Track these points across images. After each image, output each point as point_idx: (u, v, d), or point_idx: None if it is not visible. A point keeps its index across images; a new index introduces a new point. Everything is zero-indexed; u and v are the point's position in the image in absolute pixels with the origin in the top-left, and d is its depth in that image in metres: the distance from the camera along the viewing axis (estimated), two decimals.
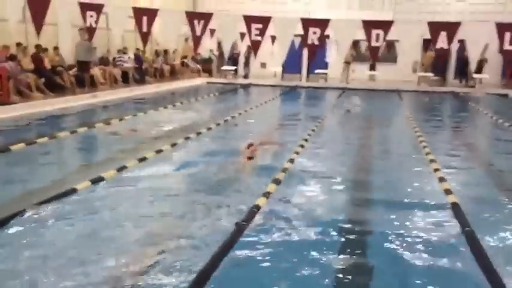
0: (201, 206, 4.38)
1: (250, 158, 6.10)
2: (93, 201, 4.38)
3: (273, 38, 13.13)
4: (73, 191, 4.52)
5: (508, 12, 19.12)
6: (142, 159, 5.85)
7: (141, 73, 15.67)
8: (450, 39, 7.46)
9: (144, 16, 8.24)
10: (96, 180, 4.87)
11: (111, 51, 15.05)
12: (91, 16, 8.44)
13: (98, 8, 8.47)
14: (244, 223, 3.84)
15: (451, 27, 7.50)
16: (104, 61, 14.35)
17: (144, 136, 7.64)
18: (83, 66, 11.60)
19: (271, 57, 18.51)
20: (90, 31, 8.70)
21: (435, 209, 4.52)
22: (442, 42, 7.39)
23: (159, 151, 6.33)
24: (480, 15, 18.21)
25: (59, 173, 5.62)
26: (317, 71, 19.61)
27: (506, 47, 7.28)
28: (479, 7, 19.45)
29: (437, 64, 17.42)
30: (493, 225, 4.13)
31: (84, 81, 12.09)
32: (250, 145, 6.43)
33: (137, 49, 15.95)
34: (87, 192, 4.60)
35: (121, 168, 5.38)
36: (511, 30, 7.26)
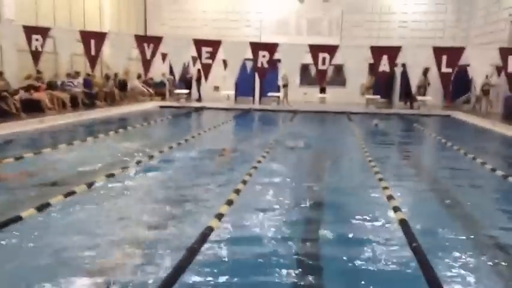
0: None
1: (223, 155, 7.92)
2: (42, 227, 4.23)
3: (225, 62, 13.25)
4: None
5: (447, 37, 20.32)
6: (91, 183, 5.72)
7: (90, 97, 15.35)
8: (391, 63, 7.82)
9: (92, 39, 8.11)
10: (43, 207, 4.72)
11: (59, 76, 14.69)
12: (36, 40, 8.21)
13: (44, 32, 8.28)
14: (196, 246, 3.81)
15: (392, 52, 7.87)
16: (51, 85, 13.97)
17: (92, 161, 7.45)
18: None
19: (224, 80, 18.71)
20: (36, 55, 8.46)
21: (385, 226, 4.67)
22: (383, 65, 7.75)
23: (110, 175, 6.21)
24: (421, 40, 19.25)
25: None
26: (269, 94, 19.95)
27: (443, 69, 7.72)
28: (420, 33, 20.58)
29: (382, 87, 18.17)
30: (439, 240, 4.30)
31: None
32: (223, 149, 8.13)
33: (88, 74, 15.64)
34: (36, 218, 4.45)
35: (69, 194, 5.23)
36: (447, 54, 7.72)
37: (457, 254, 3.98)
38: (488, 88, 16.65)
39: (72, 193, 5.29)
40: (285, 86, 19.52)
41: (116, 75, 17.78)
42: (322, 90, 20.18)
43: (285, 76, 18.95)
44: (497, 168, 7.36)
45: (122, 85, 17.78)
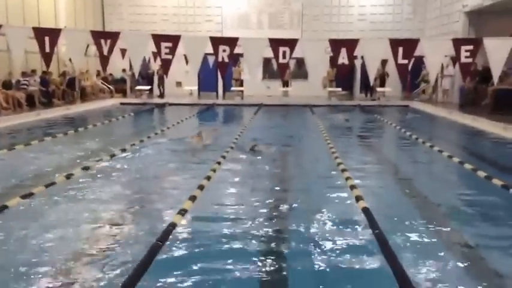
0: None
1: (199, 137, 8.76)
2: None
3: (187, 57, 13.11)
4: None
5: (404, 29, 20.83)
6: (50, 184, 5.58)
7: (47, 96, 14.90)
8: (350, 56, 7.96)
9: (47, 36, 7.85)
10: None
11: (13, 74, 14.19)
12: None
13: None
14: (160, 242, 3.78)
15: (350, 44, 8.01)
16: (5, 85, 13.48)
17: (50, 162, 7.26)
18: None
19: (186, 76, 18.56)
20: None
21: (348, 214, 4.77)
22: (342, 58, 7.89)
23: (69, 176, 6.06)
24: (379, 33, 19.66)
25: None
26: (233, 88, 19.93)
27: (400, 61, 7.93)
28: (378, 25, 21.02)
29: (343, 79, 18.48)
30: (400, 226, 4.42)
31: None
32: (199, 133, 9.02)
33: (44, 72, 15.15)
34: None
35: (27, 195, 5.08)
36: (403, 46, 7.94)
37: (418, 239, 4.11)
38: (427, 78, 17.39)
39: (30, 195, 5.14)
40: (237, 80, 19.91)
41: (64, 73, 17.17)
42: (285, 84, 20.31)
43: (236, 71, 19.48)
44: (454, 155, 7.62)
45: (71, 83, 16.96)
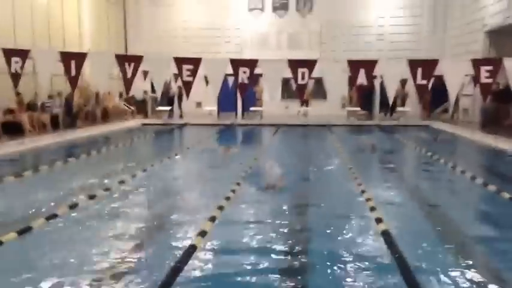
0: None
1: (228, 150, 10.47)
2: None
3: (207, 78, 13.29)
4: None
5: (423, 48, 20.76)
6: (74, 206, 5.69)
7: (71, 117, 15.22)
8: (369, 76, 7.99)
9: (73, 60, 8.11)
10: (25, 230, 4.68)
11: (39, 96, 14.55)
12: (16, 62, 8.16)
13: (24, 54, 8.26)
14: (179, 264, 3.83)
15: (369, 65, 8.05)
16: (31, 107, 13.83)
17: (73, 182, 7.41)
18: None
19: (206, 96, 18.77)
20: (15, 77, 8.41)
21: (368, 237, 4.73)
22: (361, 78, 7.93)
23: (92, 196, 6.18)
24: (398, 53, 19.62)
25: None
26: (252, 108, 20.08)
27: (419, 81, 7.91)
28: (397, 45, 21.01)
29: (362, 99, 18.44)
30: (419, 250, 4.37)
31: None
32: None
33: (69, 94, 15.43)
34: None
35: (51, 216, 5.20)
36: (422, 66, 7.93)
37: (438, 263, 4.06)
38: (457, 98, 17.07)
39: (54, 216, 5.26)
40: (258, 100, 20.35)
41: (97, 94, 17.56)
42: (304, 104, 20.34)
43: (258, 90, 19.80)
44: (477, 176, 7.50)
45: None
